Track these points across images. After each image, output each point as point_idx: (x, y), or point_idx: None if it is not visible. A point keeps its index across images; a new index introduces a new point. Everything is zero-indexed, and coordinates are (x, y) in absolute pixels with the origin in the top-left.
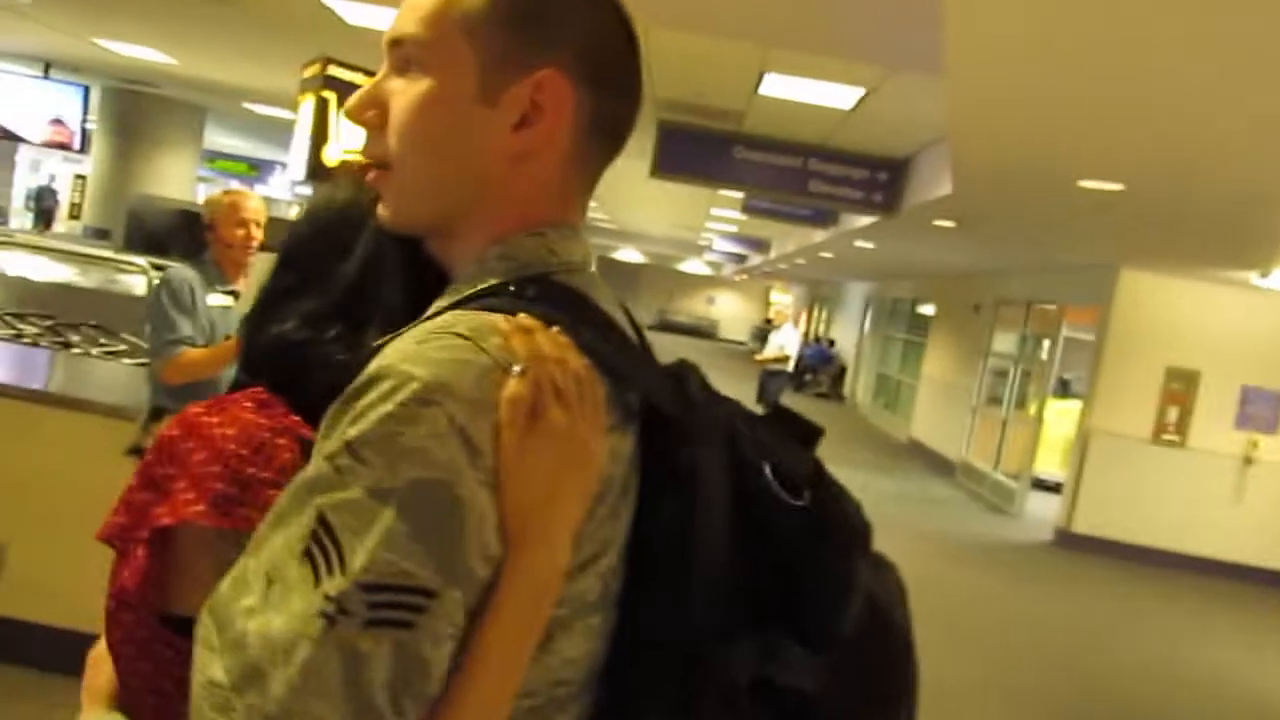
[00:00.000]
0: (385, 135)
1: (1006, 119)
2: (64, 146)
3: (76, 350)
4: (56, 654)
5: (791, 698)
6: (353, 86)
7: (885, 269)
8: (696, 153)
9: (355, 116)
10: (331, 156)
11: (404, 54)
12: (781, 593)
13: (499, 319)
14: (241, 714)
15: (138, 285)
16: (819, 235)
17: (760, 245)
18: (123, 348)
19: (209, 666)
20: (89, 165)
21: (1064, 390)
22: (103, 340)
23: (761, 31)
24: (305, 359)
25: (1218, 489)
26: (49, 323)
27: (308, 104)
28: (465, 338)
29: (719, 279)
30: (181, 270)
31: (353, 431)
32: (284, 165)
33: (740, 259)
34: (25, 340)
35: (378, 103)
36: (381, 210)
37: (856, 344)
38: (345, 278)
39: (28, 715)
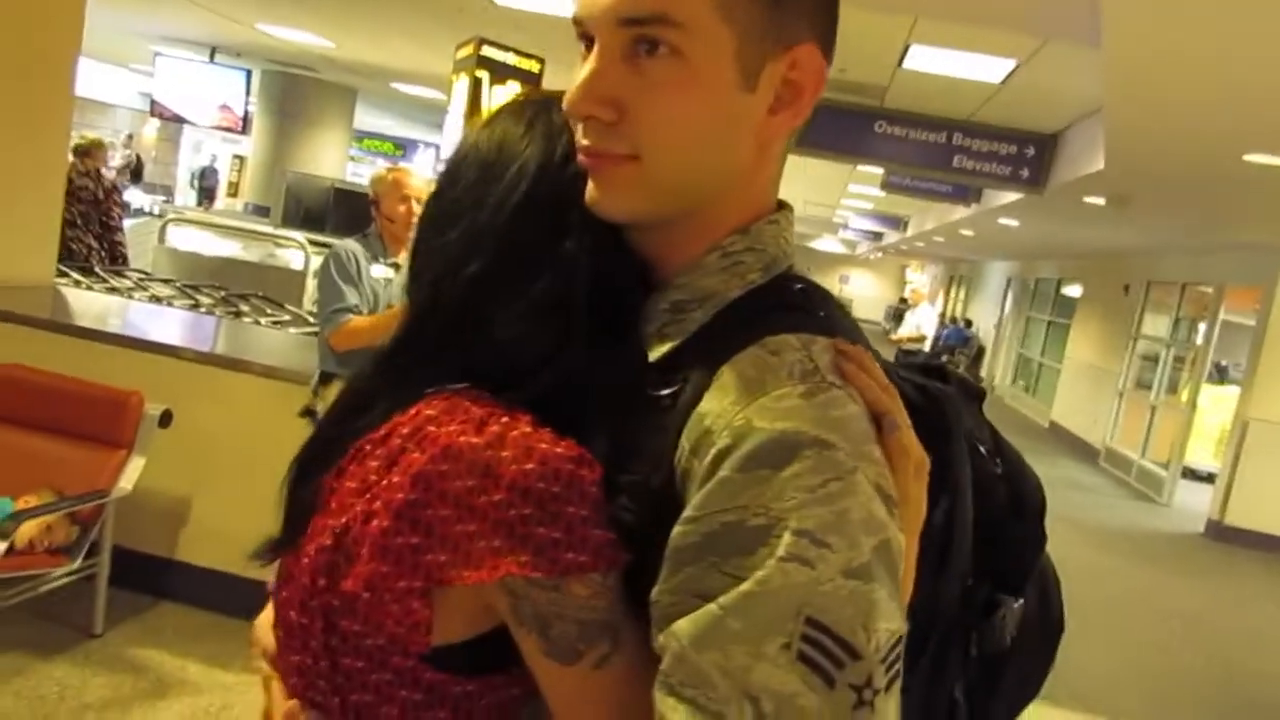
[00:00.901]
0: (624, 128)
1: (1166, 86)
2: (231, 130)
3: (247, 319)
4: (235, 599)
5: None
6: (504, 66)
7: (1028, 248)
8: (836, 129)
9: (587, 112)
10: None
11: (644, 35)
12: (986, 549)
13: (829, 351)
14: None
15: (295, 259)
16: (960, 212)
17: (897, 223)
18: (287, 317)
19: None
20: (247, 145)
21: (1220, 376)
22: (269, 310)
23: (914, 1)
24: (565, 374)
25: None
26: (222, 294)
27: (461, 83)
28: (839, 386)
29: (853, 257)
30: (348, 244)
31: (801, 522)
32: (426, 144)
33: (876, 237)
34: (202, 309)
35: (615, 97)
36: (608, 199)
37: (996, 325)
38: (572, 261)
39: (211, 654)
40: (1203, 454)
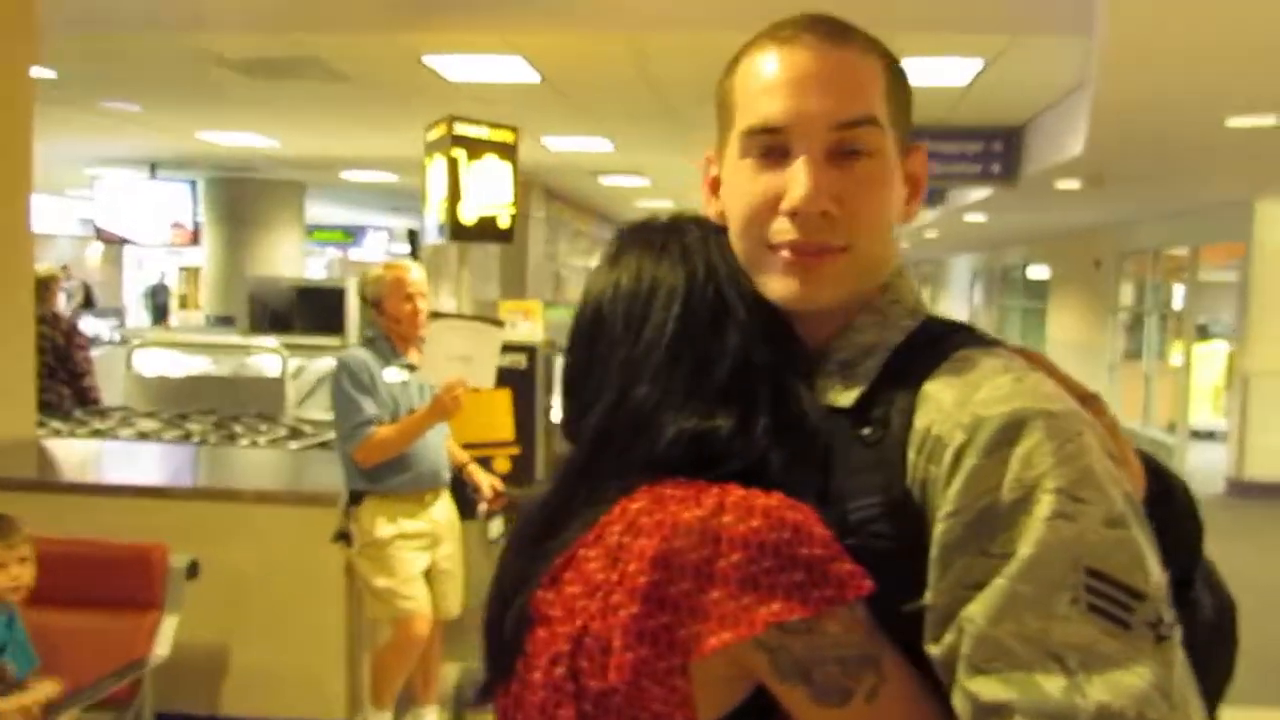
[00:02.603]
0: (839, 223)
1: (1157, 69)
2: (185, 245)
3: (244, 442)
4: None
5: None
6: (480, 141)
7: (994, 238)
8: None
9: (823, 207)
10: (468, 214)
11: (851, 137)
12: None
13: (1012, 353)
14: None
15: (268, 366)
16: (926, 216)
17: None
18: (283, 432)
19: None
20: (197, 256)
21: (1202, 334)
22: (263, 428)
23: (886, 18)
24: (757, 446)
25: None
26: (212, 419)
27: (437, 164)
28: (1036, 371)
29: None
30: (356, 352)
31: (1056, 481)
32: (375, 228)
33: None
34: (195, 439)
35: (837, 194)
36: (817, 289)
37: (969, 319)
38: (740, 353)
39: None
40: (1201, 413)
